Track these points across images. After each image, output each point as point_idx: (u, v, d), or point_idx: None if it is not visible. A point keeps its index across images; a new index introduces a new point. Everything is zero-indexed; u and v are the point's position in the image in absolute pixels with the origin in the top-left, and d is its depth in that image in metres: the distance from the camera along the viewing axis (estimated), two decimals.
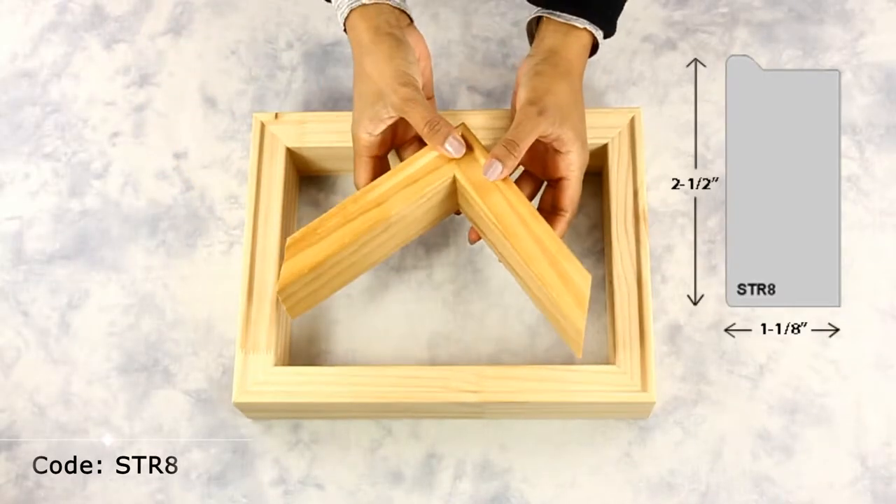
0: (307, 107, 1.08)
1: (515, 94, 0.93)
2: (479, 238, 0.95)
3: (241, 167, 1.06)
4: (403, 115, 0.88)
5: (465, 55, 1.09)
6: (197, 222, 1.04)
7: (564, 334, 0.91)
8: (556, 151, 0.90)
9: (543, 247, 0.87)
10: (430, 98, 0.95)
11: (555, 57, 0.91)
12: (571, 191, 0.91)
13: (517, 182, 0.94)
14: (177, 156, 1.07)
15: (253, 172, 0.99)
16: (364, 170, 0.92)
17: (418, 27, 0.95)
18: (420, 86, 0.90)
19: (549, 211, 0.93)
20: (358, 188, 0.93)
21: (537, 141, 0.89)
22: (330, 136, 1.00)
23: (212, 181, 1.06)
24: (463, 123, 0.92)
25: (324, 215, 0.90)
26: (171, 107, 1.09)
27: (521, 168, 0.95)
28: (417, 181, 0.90)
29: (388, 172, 0.91)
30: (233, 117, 1.08)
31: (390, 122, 0.90)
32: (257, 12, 1.12)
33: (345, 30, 0.93)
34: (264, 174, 0.99)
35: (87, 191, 1.06)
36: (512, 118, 0.91)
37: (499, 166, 0.87)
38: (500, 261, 0.95)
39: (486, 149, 0.91)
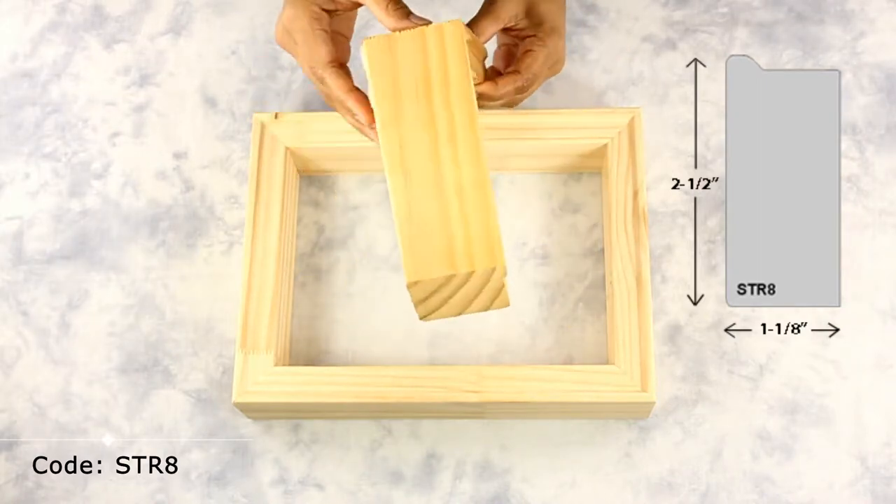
0: (307, 107, 1.08)
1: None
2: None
3: (241, 167, 1.06)
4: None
5: None
6: (197, 222, 1.04)
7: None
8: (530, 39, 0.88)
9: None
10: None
11: None
12: (534, 62, 0.87)
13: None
14: (177, 156, 1.07)
15: (253, 172, 0.99)
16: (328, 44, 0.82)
17: None
18: None
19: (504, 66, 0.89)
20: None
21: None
22: (330, 136, 1.00)
23: (212, 181, 1.06)
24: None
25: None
26: (171, 107, 1.09)
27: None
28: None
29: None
30: (233, 117, 1.08)
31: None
32: (257, 12, 1.12)
33: None
34: (264, 174, 0.99)
35: (87, 191, 1.06)
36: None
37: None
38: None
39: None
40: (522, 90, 0.87)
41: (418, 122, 0.76)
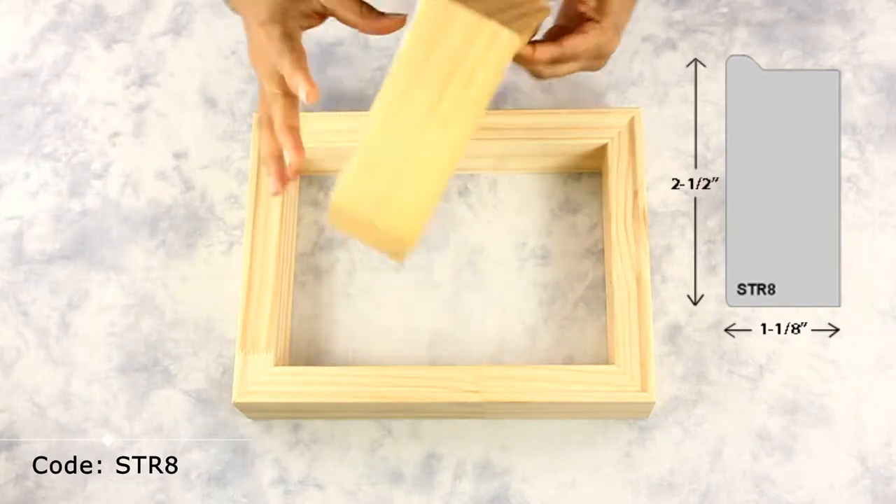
0: (307, 107, 1.08)
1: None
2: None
3: (241, 167, 1.06)
4: (332, 11, 0.84)
5: None
6: (197, 222, 1.04)
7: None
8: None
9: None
10: None
11: None
12: (583, 41, 0.86)
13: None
14: (177, 156, 1.07)
15: (253, 172, 0.99)
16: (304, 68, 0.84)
17: None
18: None
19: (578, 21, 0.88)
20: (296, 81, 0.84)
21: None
22: (330, 136, 1.00)
23: (212, 181, 1.06)
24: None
25: None
26: (171, 107, 1.09)
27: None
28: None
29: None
30: (233, 117, 1.08)
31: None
32: None
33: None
34: (264, 174, 0.99)
35: (87, 191, 1.06)
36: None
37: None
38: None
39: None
40: (556, 62, 0.86)
41: (428, 90, 0.78)
